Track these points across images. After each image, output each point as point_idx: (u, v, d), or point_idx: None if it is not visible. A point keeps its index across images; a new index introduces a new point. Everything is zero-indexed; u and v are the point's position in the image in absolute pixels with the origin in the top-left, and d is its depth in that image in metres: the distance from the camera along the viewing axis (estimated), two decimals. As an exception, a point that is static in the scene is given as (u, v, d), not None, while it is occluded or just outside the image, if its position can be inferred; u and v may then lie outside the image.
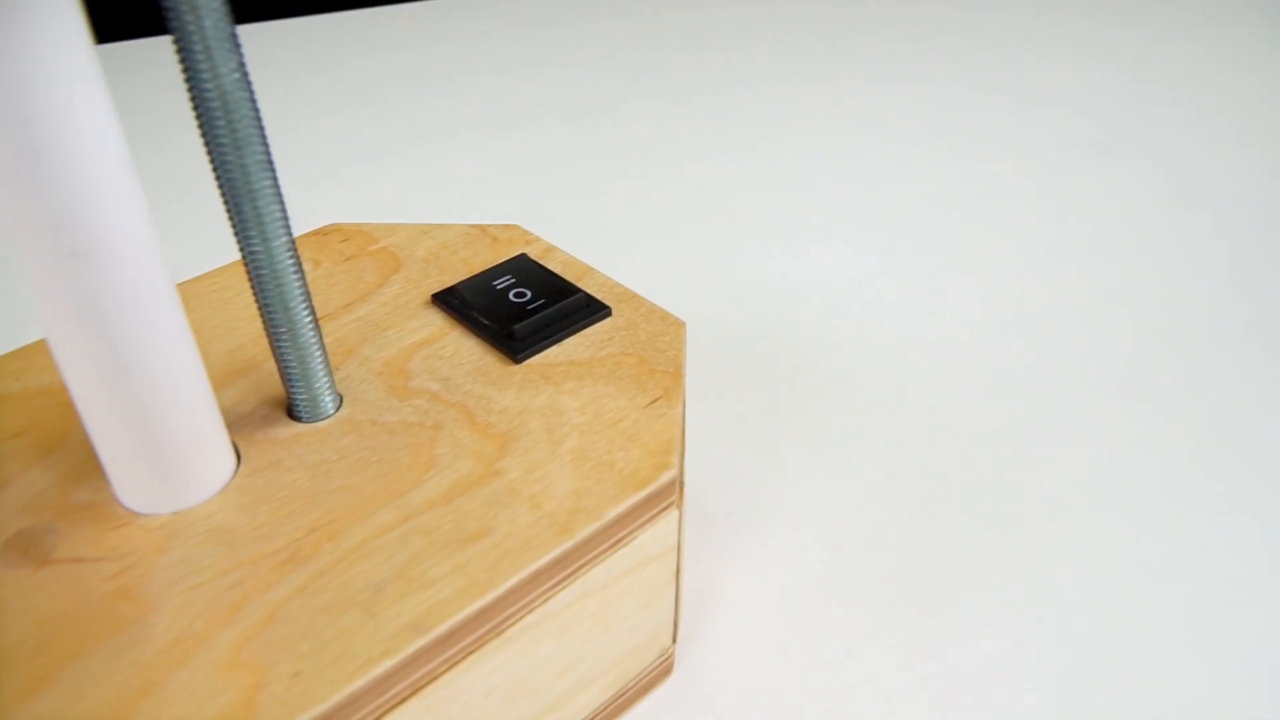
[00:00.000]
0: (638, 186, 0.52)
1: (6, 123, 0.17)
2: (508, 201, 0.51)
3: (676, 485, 0.24)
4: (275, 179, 0.22)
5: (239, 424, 0.25)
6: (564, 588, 0.23)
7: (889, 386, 0.38)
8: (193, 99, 0.20)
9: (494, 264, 0.30)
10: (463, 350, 0.27)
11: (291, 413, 0.25)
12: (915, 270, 0.45)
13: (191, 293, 0.30)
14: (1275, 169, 0.53)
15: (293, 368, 0.24)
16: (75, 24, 0.17)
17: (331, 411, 0.25)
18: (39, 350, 0.28)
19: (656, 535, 0.24)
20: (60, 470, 0.24)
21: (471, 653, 0.21)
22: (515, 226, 0.32)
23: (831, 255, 0.46)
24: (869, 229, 0.48)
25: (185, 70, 0.20)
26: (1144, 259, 0.46)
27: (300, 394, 0.25)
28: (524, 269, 0.29)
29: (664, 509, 0.24)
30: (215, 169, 0.21)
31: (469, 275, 0.30)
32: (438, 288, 0.30)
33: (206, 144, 0.21)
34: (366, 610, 0.20)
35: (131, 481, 0.22)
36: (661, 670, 0.28)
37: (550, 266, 0.30)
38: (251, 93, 0.21)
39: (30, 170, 0.18)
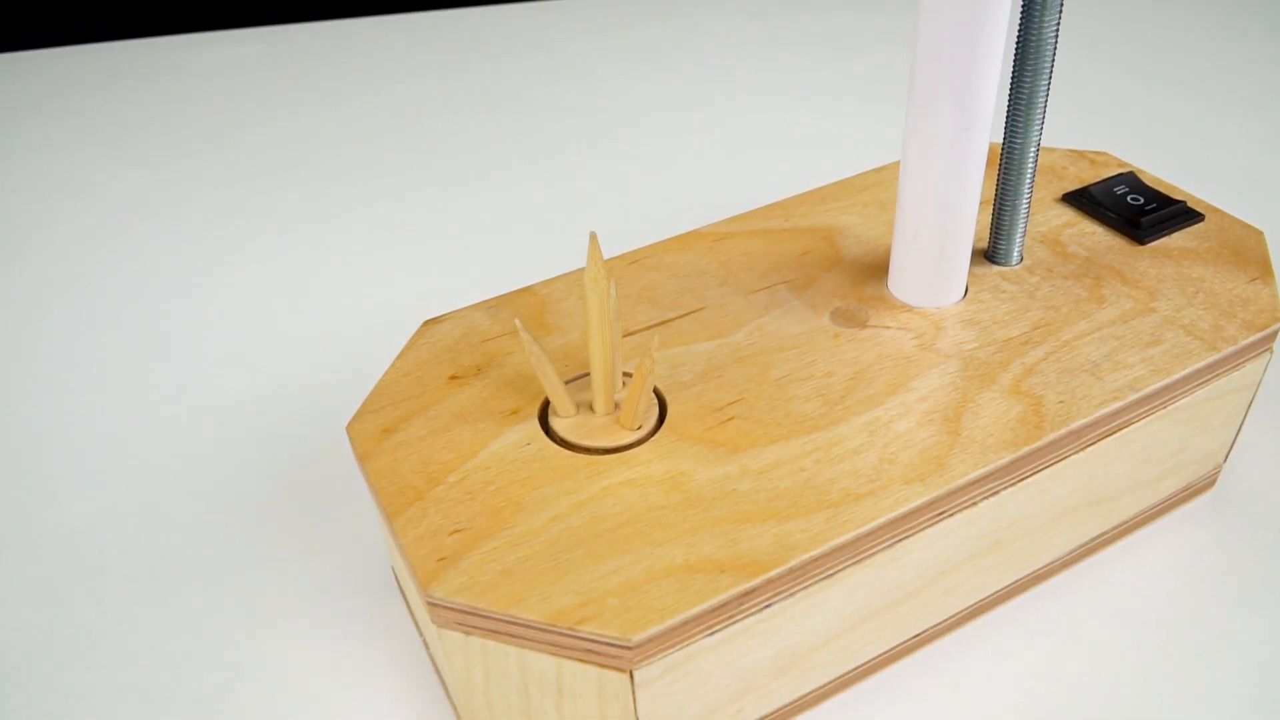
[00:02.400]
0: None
1: (964, 53, 0.29)
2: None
3: (1277, 335, 0.34)
4: (1048, 89, 0.33)
5: (961, 260, 0.37)
6: (1204, 387, 0.33)
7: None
8: (1023, 17, 0.32)
9: (1102, 178, 0.41)
10: (1097, 233, 0.38)
11: (991, 258, 0.37)
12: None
13: (853, 187, 0.42)
14: None
15: (1006, 223, 0.36)
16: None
17: (1018, 262, 0.37)
18: (793, 203, 0.41)
19: (1254, 368, 0.35)
20: (844, 277, 0.37)
21: (1147, 417, 0.32)
22: (1106, 153, 0.43)
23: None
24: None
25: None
26: None
27: (1005, 243, 0.36)
28: (1132, 182, 0.40)
29: (1264, 350, 0.34)
30: (1015, 75, 0.33)
31: (1083, 184, 0.41)
32: (1061, 191, 0.41)
33: (1026, 21, 0.32)
34: (1092, 375, 0.32)
35: (920, 280, 0.35)
36: (1208, 481, 0.38)
37: (1147, 183, 0.41)
38: (1057, 28, 0.32)
39: (968, 78, 0.30)
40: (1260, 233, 0.38)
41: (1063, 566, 0.36)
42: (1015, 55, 0.33)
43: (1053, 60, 0.33)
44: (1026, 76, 0.33)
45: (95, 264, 0.54)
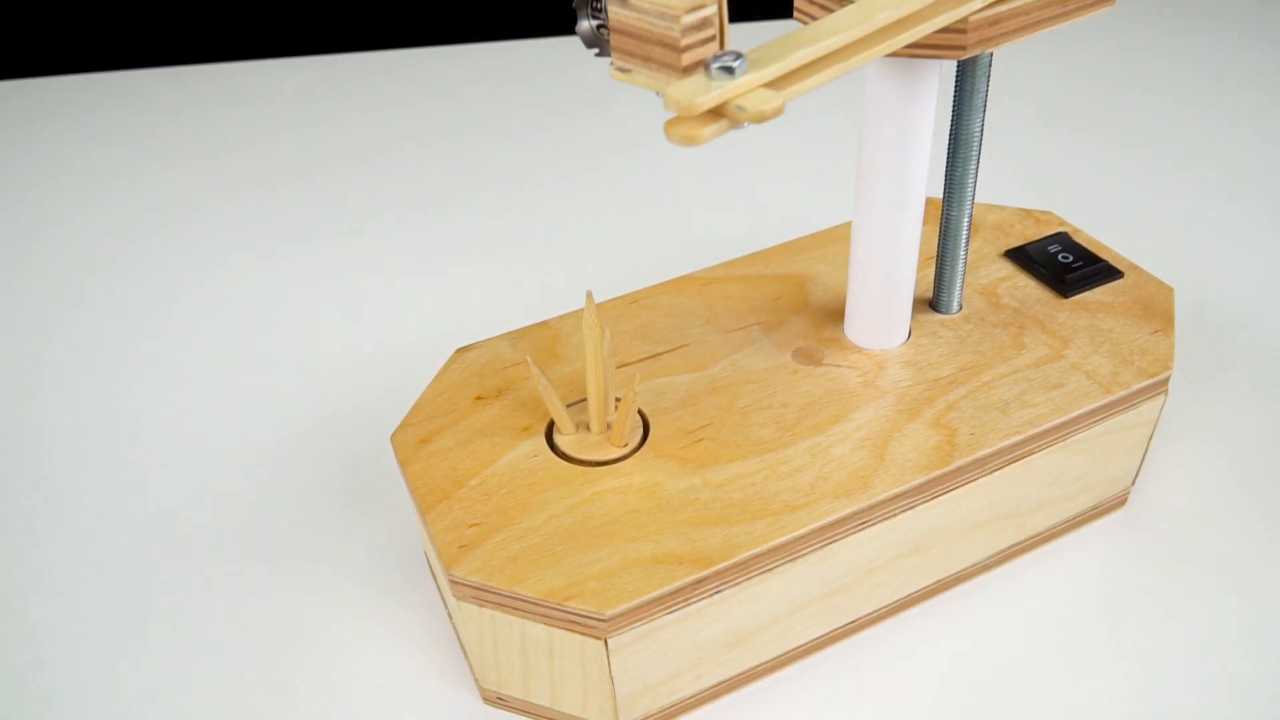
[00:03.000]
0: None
1: (903, 155, 0.36)
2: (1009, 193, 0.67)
3: (1169, 380, 0.41)
4: (978, 154, 0.40)
5: (908, 309, 0.44)
6: (1100, 424, 0.40)
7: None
8: (953, 118, 0.39)
9: (1042, 236, 0.47)
10: (1029, 287, 0.45)
11: (934, 307, 0.44)
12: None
13: (818, 241, 0.49)
14: None
15: (945, 279, 0.43)
16: (933, 92, 0.36)
17: (957, 310, 0.43)
18: (774, 252, 0.48)
19: (1150, 408, 0.41)
20: (808, 320, 0.44)
21: (1048, 448, 0.39)
22: (1051, 212, 0.49)
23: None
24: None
25: (961, 87, 0.38)
26: None
27: (945, 295, 0.43)
28: (1066, 241, 0.47)
29: (1158, 393, 0.41)
30: (953, 133, 0.39)
31: (1026, 241, 0.47)
32: (1004, 247, 0.47)
33: (956, 119, 0.39)
34: (1002, 412, 0.39)
35: (868, 327, 0.41)
36: (1118, 501, 0.45)
37: (1079, 242, 0.47)
38: (981, 125, 0.39)
39: (902, 171, 0.37)
40: (1170, 290, 0.44)
41: (984, 569, 0.42)
42: (949, 146, 0.40)
43: (979, 151, 0.39)
44: (958, 164, 0.40)
45: (185, 279, 0.62)
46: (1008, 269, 0.46)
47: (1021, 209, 0.50)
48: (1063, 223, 0.49)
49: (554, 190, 0.69)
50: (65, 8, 0.91)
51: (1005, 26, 0.31)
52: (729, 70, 0.23)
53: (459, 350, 0.43)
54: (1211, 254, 0.60)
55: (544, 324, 0.45)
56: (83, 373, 0.56)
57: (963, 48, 0.30)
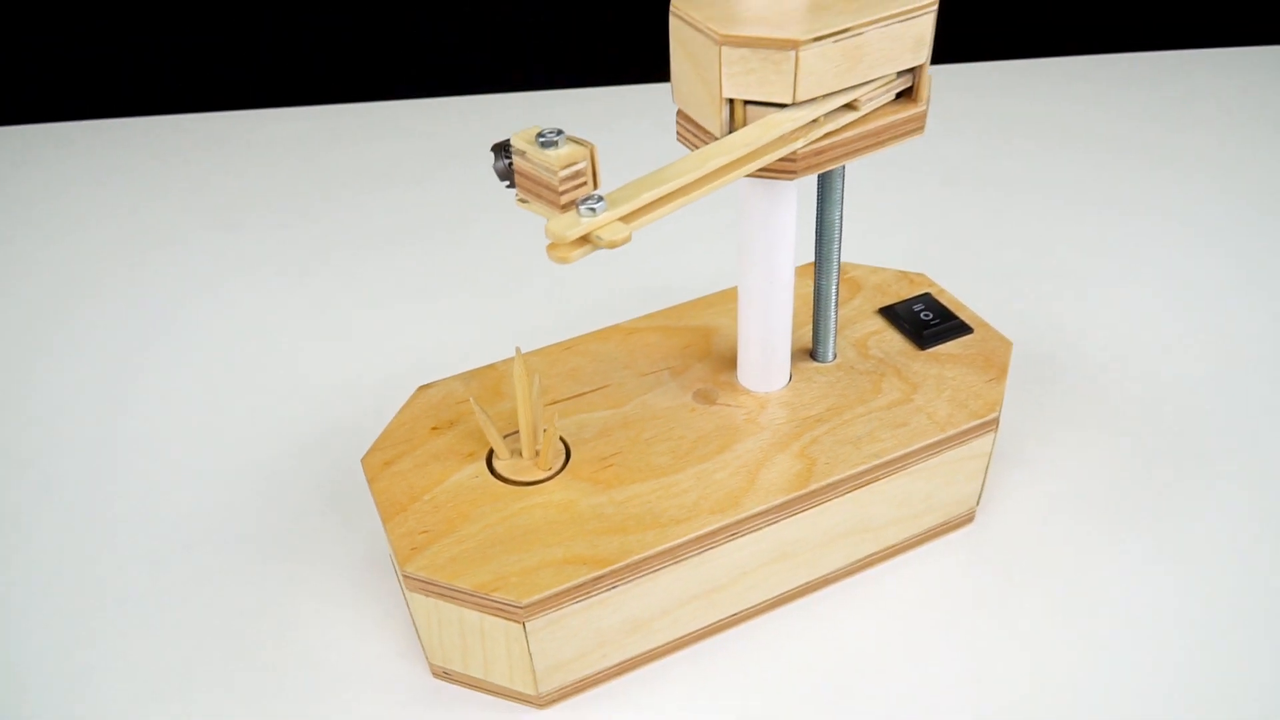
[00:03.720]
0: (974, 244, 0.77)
1: (770, 243, 0.46)
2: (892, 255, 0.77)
3: (998, 420, 0.50)
4: (839, 236, 0.49)
5: (791, 358, 0.53)
6: (936, 456, 0.49)
7: (1141, 382, 0.62)
8: (820, 194, 0.48)
9: (912, 296, 0.57)
10: (895, 341, 0.54)
11: (813, 356, 0.53)
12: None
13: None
14: None
15: (820, 334, 0.52)
16: (792, 195, 0.45)
17: (832, 359, 0.53)
18: (688, 306, 0.57)
19: (982, 443, 0.50)
20: (710, 366, 0.53)
21: (892, 475, 0.48)
22: (924, 274, 0.59)
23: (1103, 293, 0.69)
24: (1152, 271, 0.71)
25: (822, 187, 0.48)
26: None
27: (822, 346, 0.52)
28: (929, 301, 0.56)
29: (988, 430, 0.50)
30: (818, 221, 0.49)
31: (898, 300, 0.57)
32: (881, 304, 0.57)
33: (820, 211, 0.49)
34: (854, 445, 0.48)
35: (754, 374, 0.51)
36: (965, 518, 0.54)
37: (942, 301, 0.56)
38: (841, 215, 0.48)
39: (770, 254, 0.46)
40: (1009, 343, 0.53)
41: (847, 574, 0.52)
42: (815, 231, 0.49)
43: (840, 234, 0.49)
44: (824, 245, 0.49)
45: (187, 314, 0.72)
46: (879, 324, 0.55)
47: (900, 271, 0.59)
48: (931, 284, 0.58)
49: (517, 238, 0.79)
50: (89, 64, 1.00)
51: (827, 156, 0.40)
52: (593, 210, 0.32)
53: (421, 387, 0.53)
54: (1066, 307, 0.70)
55: (492, 366, 0.54)
56: (104, 390, 0.65)
57: (794, 172, 0.39)
